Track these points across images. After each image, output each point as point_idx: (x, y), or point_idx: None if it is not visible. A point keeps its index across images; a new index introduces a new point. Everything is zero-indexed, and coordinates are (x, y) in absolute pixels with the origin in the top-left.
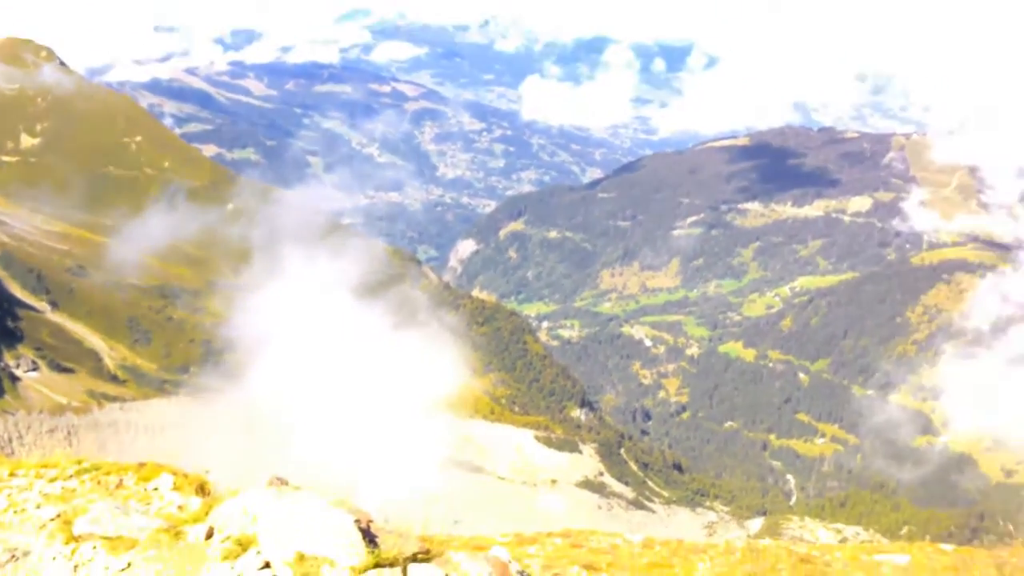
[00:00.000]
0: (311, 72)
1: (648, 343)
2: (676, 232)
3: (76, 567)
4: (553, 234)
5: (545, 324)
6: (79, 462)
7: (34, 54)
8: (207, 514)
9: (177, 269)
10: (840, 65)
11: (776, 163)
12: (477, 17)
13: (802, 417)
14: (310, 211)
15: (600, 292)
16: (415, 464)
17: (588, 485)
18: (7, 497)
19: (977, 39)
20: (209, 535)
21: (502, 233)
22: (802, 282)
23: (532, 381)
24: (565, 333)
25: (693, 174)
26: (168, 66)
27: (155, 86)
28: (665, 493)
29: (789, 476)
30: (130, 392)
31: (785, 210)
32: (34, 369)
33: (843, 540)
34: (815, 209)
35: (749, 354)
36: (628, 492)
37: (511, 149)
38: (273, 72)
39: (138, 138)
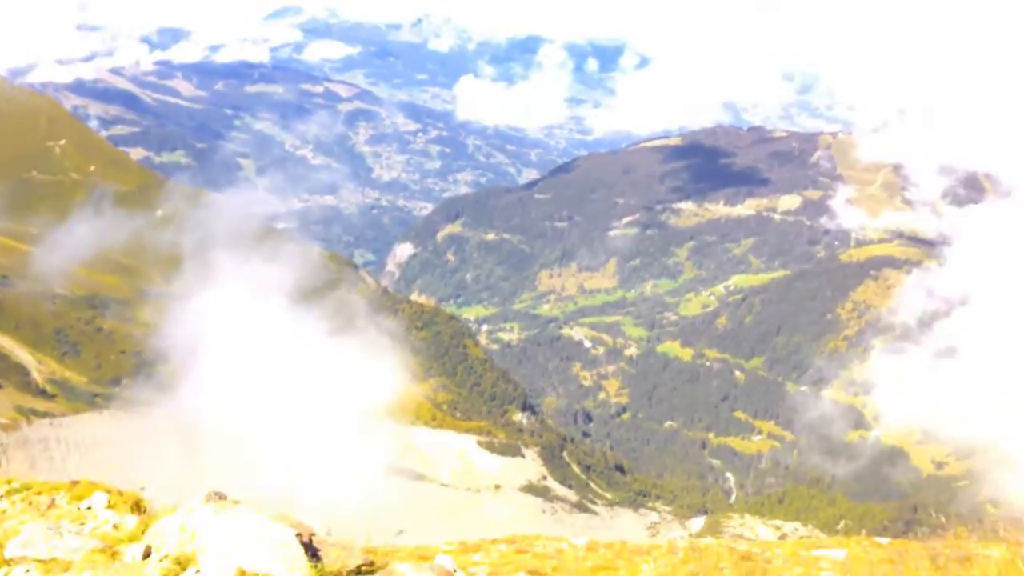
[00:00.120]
0: (241, 72)
1: (587, 344)
2: (612, 232)
3: None
4: (491, 236)
5: (485, 327)
6: (8, 482)
7: None
8: (143, 532)
9: (105, 278)
10: (768, 65)
11: (708, 163)
12: (409, 16)
13: (739, 415)
14: (243, 215)
15: (539, 294)
16: (357, 473)
17: (531, 489)
18: None
19: (899, 39)
20: (146, 554)
21: (439, 236)
22: (736, 280)
23: (473, 385)
24: (505, 336)
25: (627, 174)
26: (92, 66)
27: (79, 87)
28: (608, 495)
29: (728, 474)
30: (60, 407)
31: (718, 209)
32: None
33: (782, 536)
34: (747, 208)
35: (686, 353)
36: (571, 495)
37: (447, 150)
38: (202, 72)
39: (62, 141)
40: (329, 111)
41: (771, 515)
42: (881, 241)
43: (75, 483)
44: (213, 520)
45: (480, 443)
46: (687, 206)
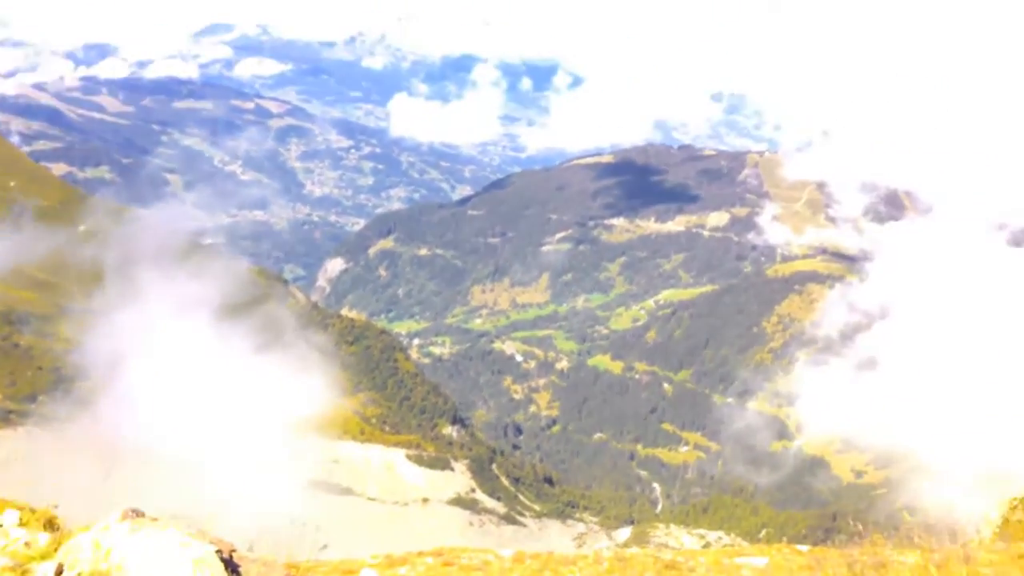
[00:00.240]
0: (169, 88)
1: (519, 358)
2: (545, 248)
3: None
4: (423, 251)
5: (416, 341)
6: None
7: None
8: (56, 550)
9: (24, 294)
10: (697, 85)
11: (639, 180)
12: (343, 34)
13: (667, 426)
14: (168, 231)
15: (471, 308)
16: (281, 489)
17: (460, 502)
18: None
19: (823, 62)
20: (59, 572)
21: (372, 251)
22: (666, 295)
23: (403, 399)
24: (436, 350)
25: (560, 191)
26: (14, 82)
27: (0, 103)
28: (536, 507)
29: (655, 484)
30: None
31: (649, 225)
32: None
33: (706, 545)
34: (677, 224)
35: (617, 366)
36: (500, 507)
37: (380, 167)
38: (129, 88)
39: None
40: (260, 127)
41: (696, 524)
42: (805, 257)
43: None
44: (129, 538)
45: (409, 456)
46: (619, 222)
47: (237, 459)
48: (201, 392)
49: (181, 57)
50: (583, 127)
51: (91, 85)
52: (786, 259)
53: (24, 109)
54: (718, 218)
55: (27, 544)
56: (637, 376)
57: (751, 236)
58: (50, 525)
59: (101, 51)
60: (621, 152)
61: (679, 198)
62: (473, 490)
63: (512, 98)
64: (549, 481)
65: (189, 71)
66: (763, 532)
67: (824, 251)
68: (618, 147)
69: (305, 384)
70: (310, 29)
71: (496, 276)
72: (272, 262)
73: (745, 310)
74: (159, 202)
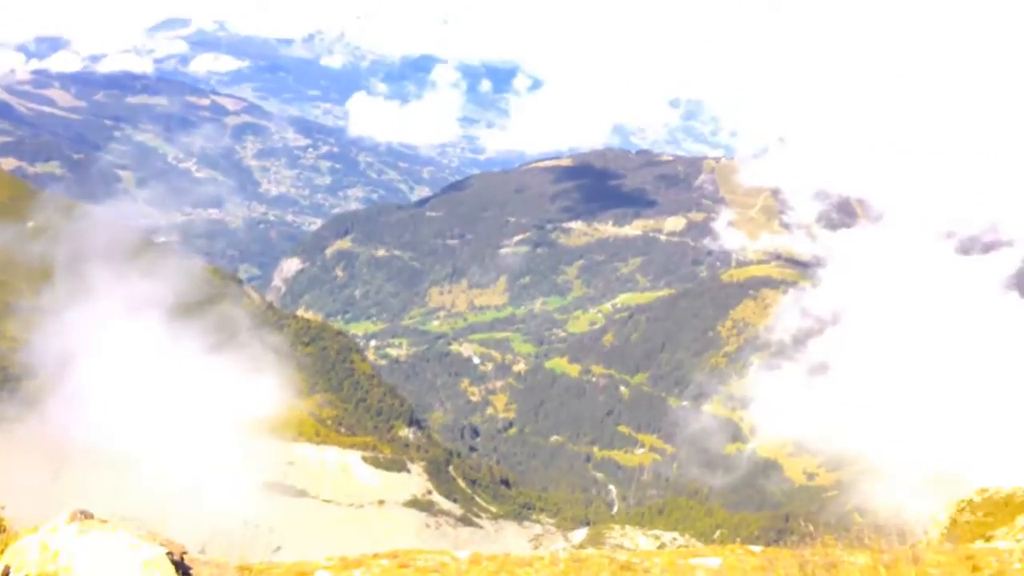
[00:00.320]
0: (123, 83)
1: (476, 360)
2: (503, 250)
3: None
4: (381, 252)
5: (373, 343)
6: None
7: None
8: (2, 553)
9: None
10: (655, 91)
11: (598, 184)
12: (301, 31)
13: (623, 429)
14: (120, 228)
15: (429, 310)
16: (234, 490)
17: (416, 504)
18: None
19: (779, 70)
20: (5, 575)
21: (328, 251)
22: (623, 299)
23: (359, 401)
24: (393, 352)
25: (519, 193)
26: None
27: None
28: (493, 508)
29: (611, 486)
30: None
31: (607, 229)
32: None
33: (661, 546)
34: (634, 228)
35: (574, 369)
36: (456, 509)
37: (338, 166)
38: (81, 82)
39: None
40: (215, 124)
41: (651, 525)
42: (760, 262)
43: None
44: (78, 539)
45: (365, 458)
46: (577, 225)
47: (189, 460)
48: (153, 392)
49: (135, 51)
50: (542, 130)
51: (42, 79)
52: (741, 264)
53: None
54: (675, 223)
55: None
56: (594, 379)
57: (707, 241)
58: None
59: (53, 44)
60: (580, 156)
61: (637, 202)
62: (429, 492)
63: (471, 100)
64: (506, 483)
65: (143, 66)
66: (717, 533)
67: (778, 257)
68: (577, 150)
69: (259, 385)
70: (268, 26)
71: (454, 278)
72: (227, 261)
73: (701, 314)
74: (111, 199)
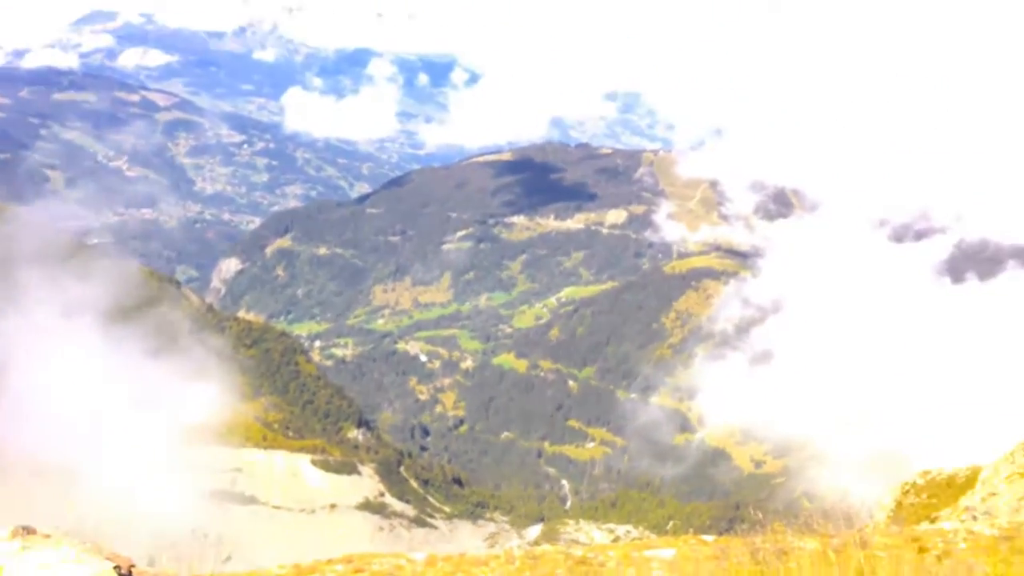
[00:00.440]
0: (49, 79)
1: (423, 358)
2: (446, 246)
3: None
4: (323, 251)
5: (317, 343)
6: None
7: None
8: None
9: None
10: (592, 84)
11: (538, 178)
12: (232, 24)
13: (573, 423)
14: (50, 230)
15: (373, 309)
16: (180, 500)
17: (368, 506)
18: None
19: (714, 63)
20: None
21: (268, 250)
22: (567, 292)
23: (306, 403)
24: (339, 352)
25: (460, 188)
26: None
27: None
28: (446, 508)
29: (564, 481)
30: None
31: (549, 223)
32: None
33: (616, 539)
34: (576, 222)
35: (521, 365)
36: (409, 510)
37: (274, 163)
38: (4, 79)
39: None
40: (146, 121)
41: (605, 519)
42: (700, 253)
43: None
44: (20, 556)
45: (314, 462)
46: (519, 220)
47: (131, 470)
48: (91, 400)
49: (60, 47)
50: (481, 124)
51: None
52: (682, 256)
53: None
54: (616, 216)
55: None
56: (542, 374)
57: (648, 233)
58: None
59: None
60: (520, 150)
61: (578, 196)
62: (382, 494)
63: (409, 94)
64: (458, 482)
65: (69, 61)
66: (670, 524)
67: (718, 248)
68: (516, 144)
69: (202, 390)
70: (198, 19)
71: (397, 275)
72: (163, 263)
73: (645, 306)
74: (39, 199)
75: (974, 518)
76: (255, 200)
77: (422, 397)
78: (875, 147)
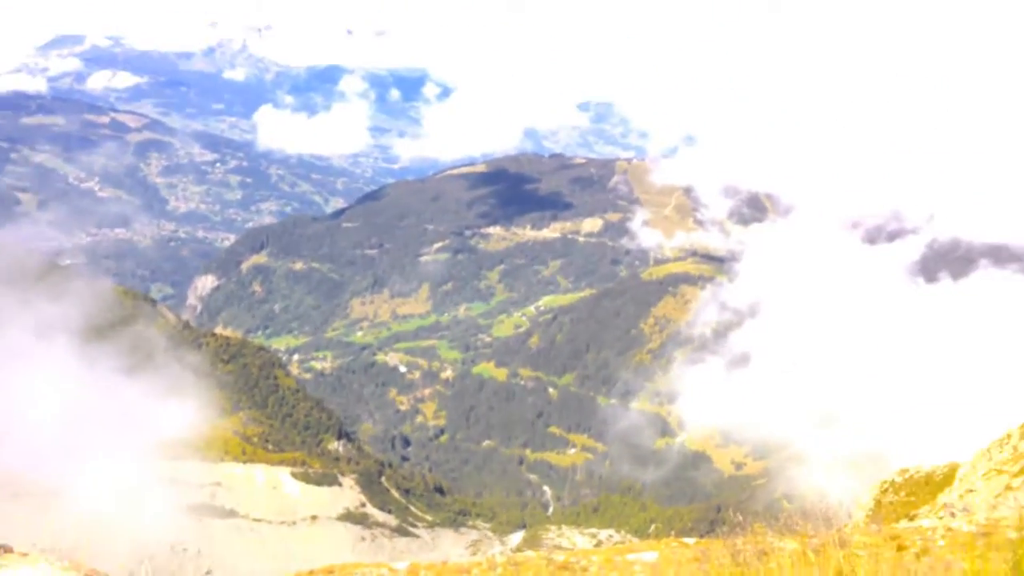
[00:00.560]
0: (17, 103)
1: (403, 369)
2: (423, 258)
3: None
4: (299, 266)
5: (296, 357)
6: None
7: None
8: None
9: None
10: (564, 94)
11: (513, 188)
12: (200, 44)
13: (554, 430)
14: (23, 252)
15: (351, 321)
16: (160, 515)
17: (350, 517)
18: None
19: (684, 71)
20: None
21: (244, 267)
22: (546, 301)
23: (285, 416)
24: (317, 365)
25: (436, 201)
26: None
27: None
28: (428, 517)
29: (546, 488)
30: None
31: (525, 233)
32: None
33: (598, 544)
34: (552, 231)
35: (501, 373)
36: (391, 520)
37: (248, 180)
38: None
39: None
40: (117, 142)
41: (587, 524)
42: (677, 259)
43: None
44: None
45: (295, 474)
46: (496, 230)
47: (109, 487)
48: (68, 418)
49: (28, 71)
50: (455, 137)
51: None
52: (659, 262)
53: None
54: (592, 224)
55: None
56: (522, 382)
57: (624, 241)
58: None
59: None
60: (494, 161)
61: (553, 205)
62: (363, 504)
63: (381, 109)
64: (440, 491)
65: (37, 85)
66: (652, 527)
67: (694, 253)
68: (490, 156)
69: (180, 406)
70: (166, 40)
71: (375, 288)
72: (137, 281)
73: (623, 313)
74: (11, 222)
75: (952, 515)
76: (229, 217)
77: (402, 408)
78: (846, 150)
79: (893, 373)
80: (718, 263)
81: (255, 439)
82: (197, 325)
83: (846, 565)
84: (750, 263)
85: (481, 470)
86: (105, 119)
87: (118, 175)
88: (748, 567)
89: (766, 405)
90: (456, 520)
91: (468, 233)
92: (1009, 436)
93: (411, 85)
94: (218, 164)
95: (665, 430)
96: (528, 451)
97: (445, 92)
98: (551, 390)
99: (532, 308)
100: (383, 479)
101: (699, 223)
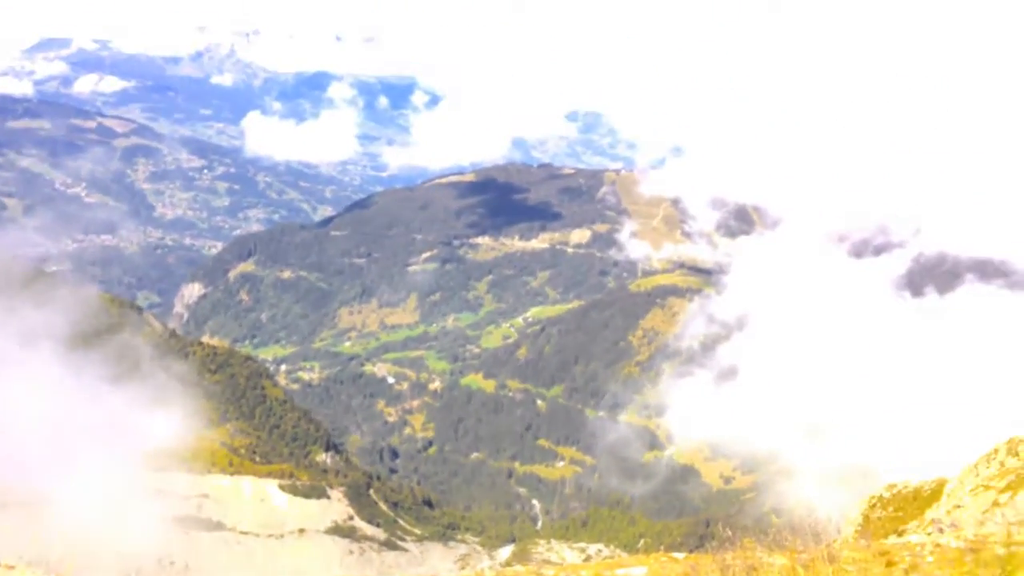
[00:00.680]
0: (3, 107)
1: (391, 380)
2: (412, 268)
3: None
4: (287, 274)
5: (283, 367)
6: None
7: None
8: None
9: None
10: (552, 104)
11: (502, 198)
12: (188, 49)
13: (543, 442)
14: (8, 258)
15: (339, 331)
16: (145, 527)
17: (338, 531)
18: None
19: (671, 82)
20: None
21: (231, 275)
22: (534, 312)
23: (273, 427)
24: (305, 375)
25: (424, 210)
26: None
27: None
28: (417, 530)
29: (535, 501)
30: None
31: (514, 243)
32: None
33: (587, 558)
34: (541, 242)
35: (489, 385)
36: (380, 534)
37: (236, 187)
38: None
39: None
40: (104, 147)
41: (576, 538)
42: (665, 271)
43: None
44: None
45: (282, 486)
46: (484, 240)
47: (95, 498)
48: (53, 427)
49: (14, 74)
50: (443, 145)
51: None
52: (647, 274)
53: None
54: (580, 235)
55: None
56: (510, 394)
57: (612, 252)
58: None
59: None
60: (483, 171)
61: (542, 216)
62: (351, 517)
63: (369, 116)
64: (429, 504)
65: (23, 88)
66: (641, 542)
67: (682, 265)
68: (479, 165)
69: (166, 416)
70: (153, 44)
71: (363, 298)
72: (124, 289)
73: (611, 325)
74: None
75: (940, 531)
76: (217, 225)
77: (390, 419)
78: (833, 163)
79: (880, 387)
80: (706, 275)
81: (242, 450)
82: (184, 334)
83: None
84: (737, 276)
85: (470, 483)
86: (92, 124)
87: (105, 181)
88: None
89: (754, 418)
90: (445, 534)
91: (456, 243)
92: (996, 451)
93: (400, 93)
94: (206, 170)
95: (654, 443)
96: (517, 464)
97: (433, 100)
98: (539, 402)
99: (520, 319)
100: (371, 492)
101: (687, 235)
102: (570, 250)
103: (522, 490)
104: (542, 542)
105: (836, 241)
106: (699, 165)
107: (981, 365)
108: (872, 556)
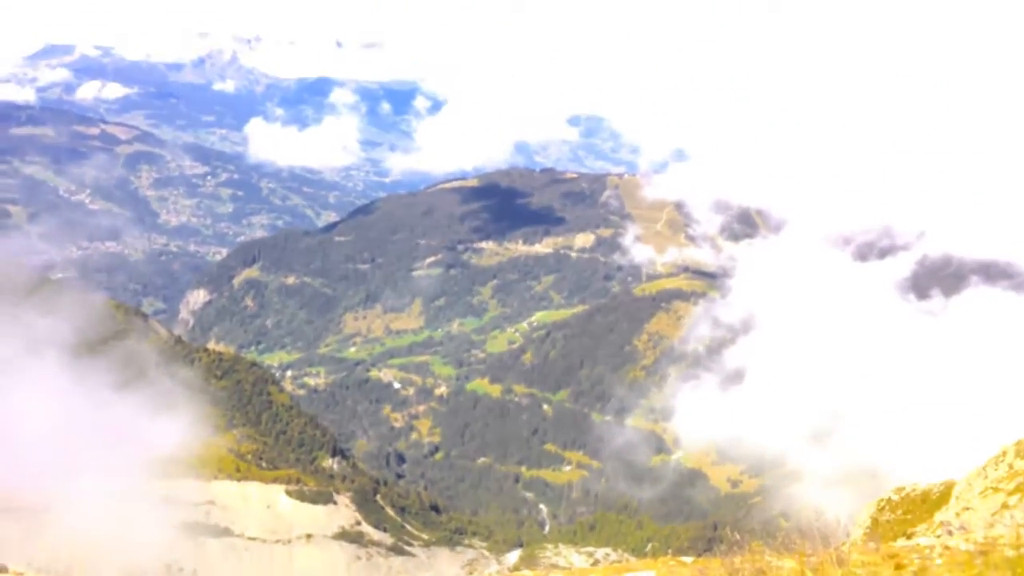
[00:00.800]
0: (6, 114)
1: (397, 385)
2: (416, 273)
3: None
4: (291, 280)
5: (289, 373)
6: None
7: None
8: None
9: None
10: (554, 109)
11: (505, 203)
12: (191, 56)
13: (549, 447)
14: (13, 265)
15: (344, 337)
16: (152, 534)
17: (345, 536)
18: None
19: (673, 86)
20: None
21: (236, 281)
22: (539, 316)
23: (279, 433)
24: (311, 381)
25: (428, 215)
26: None
27: None
28: (424, 535)
29: (542, 505)
30: None
31: (518, 248)
32: None
33: (595, 562)
34: (545, 246)
35: (495, 389)
36: (387, 539)
37: (239, 193)
38: None
39: None
40: (107, 154)
41: (584, 542)
42: (669, 275)
43: None
44: None
45: (289, 492)
46: (488, 245)
47: (102, 505)
48: (59, 434)
49: (16, 81)
50: (446, 150)
51: None
52: (651, 278)
53: None
54: (584, 239)
55: None
56: (516, 398)
57: (617, 256)
58: None
59: None
60: (486, 175)
61: (545, 220)
62: (358, 523)
63: (372, 122)
64: (435, 509)
65: (26, 95)
66: (649, 546)
67: (686, 269)
68: (481, 170)
69: (172, 422)
70: (156, 51)
71: (368, 303)
72: (129, 295)
73: (616, 329)
74: (0, 235)
75: (949, 533)
76: (221, 231)
77: (397, 424)
78: (837, 165)
79: (886, 389)
80: (710, 279)
81: (249, 456)
82: (189, 340)
83: None
84: (742, 279)
85: (477, 488)
86: (95, 130)
87: (109, 187)
88: None
89: (761, 422)
90: (452, 539)
91: (460, 248)
92: (1004, 454)
93: (402, 98)
94: (209, 177)
95: (660, 447)
96: (524, 468)
97: (436, 105)
98: (545, 407)
99: (525, 324)
100: (378, 497)
101: (691, 239)
102: (574, 255)
103: (529, 494)
104: (549, 546)
105: (840, 244)
106: (702, 168)
107: (987, 367)
108: (881, 559)
